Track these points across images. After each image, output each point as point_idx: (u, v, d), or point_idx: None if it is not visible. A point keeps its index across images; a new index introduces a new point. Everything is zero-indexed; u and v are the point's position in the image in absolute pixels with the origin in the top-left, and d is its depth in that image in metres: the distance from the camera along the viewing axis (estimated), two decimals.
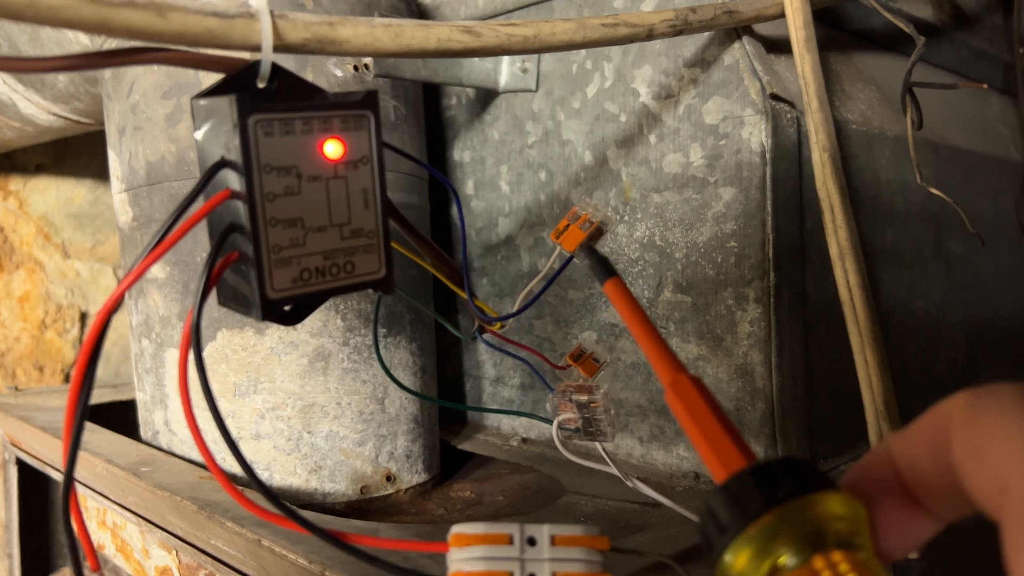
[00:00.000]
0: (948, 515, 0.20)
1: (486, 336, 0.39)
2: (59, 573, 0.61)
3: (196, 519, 0.46)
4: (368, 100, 0.29)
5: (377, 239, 0.30)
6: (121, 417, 0.73)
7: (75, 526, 0.28)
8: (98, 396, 0.85)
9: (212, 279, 0.27)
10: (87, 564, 0.30)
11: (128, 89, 0.56)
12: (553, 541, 0.28)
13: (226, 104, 0.26)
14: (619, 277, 0.29)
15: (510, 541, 0.28)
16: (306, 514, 0.31)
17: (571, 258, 0.36)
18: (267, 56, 0.29)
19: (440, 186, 0.69)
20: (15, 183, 1.25)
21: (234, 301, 0.29)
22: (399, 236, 0.34)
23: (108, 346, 1.32)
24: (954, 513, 0.19)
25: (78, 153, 1.29)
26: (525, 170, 0.63)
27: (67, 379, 1.27)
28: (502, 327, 0.38)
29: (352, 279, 0.30)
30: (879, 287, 0.58)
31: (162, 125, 0.54)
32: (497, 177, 0.65)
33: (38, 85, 0.83)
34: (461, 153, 0.68)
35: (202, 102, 0.28)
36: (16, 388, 0.96)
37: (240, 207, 0.27)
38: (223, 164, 0.27)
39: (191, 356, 0.27)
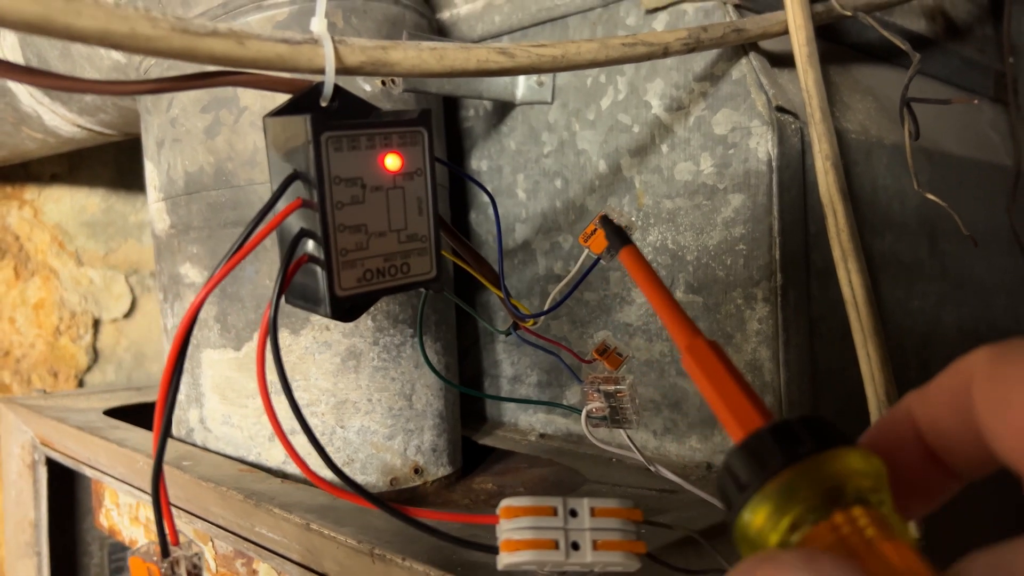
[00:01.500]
0: (970, 472, 0.19)
1: (519, 332, 0.42)
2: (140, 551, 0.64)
3: (242, 508, 0.49)
4: (423, 118, 0.32)
5: (429, 243, 0.33)
6: (143, 420, 0.76)
7: (162, 507, 0.31)
8: (124, 398, 0.87)
9: (287, 279, 0.30)
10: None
11: (168, 103, 0.59)
12: (593, 513, 0.31)
13: (301, 123, 0.30)
14: (634, 245, 0.30)
15: (554, 512, 0.31)
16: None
17: (598, 260, 0.40)
18: (330, 78, 0.33)
19: (458, 193, 0.72)
20: (30, 192, 1.28)
21: (302, 299, 0.32)
22: (444, 240, 0.37)
23: (120, 352, 1.35)
24: (976, 470, 0.19)
25: (91, 163, 1.32)
26: (541, 178, 0.66)
27: (81, 385, 1.29)
28: (535, 324, 0.41)
29: (408, 279, 0.33)
30: (878, 287, 0.61)
31: (201, 137, 0.57)
32: (514, 185, 0.68)
33: (64, 98, 0.86)
34: (479, 162, 0.71)
35: (274, 120, 0.32)
36: (44, 391, 0.99)
37: (311, 215, 0.30)
38: (296, 176, 0.30)
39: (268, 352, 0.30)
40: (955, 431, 0.19)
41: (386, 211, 0.32)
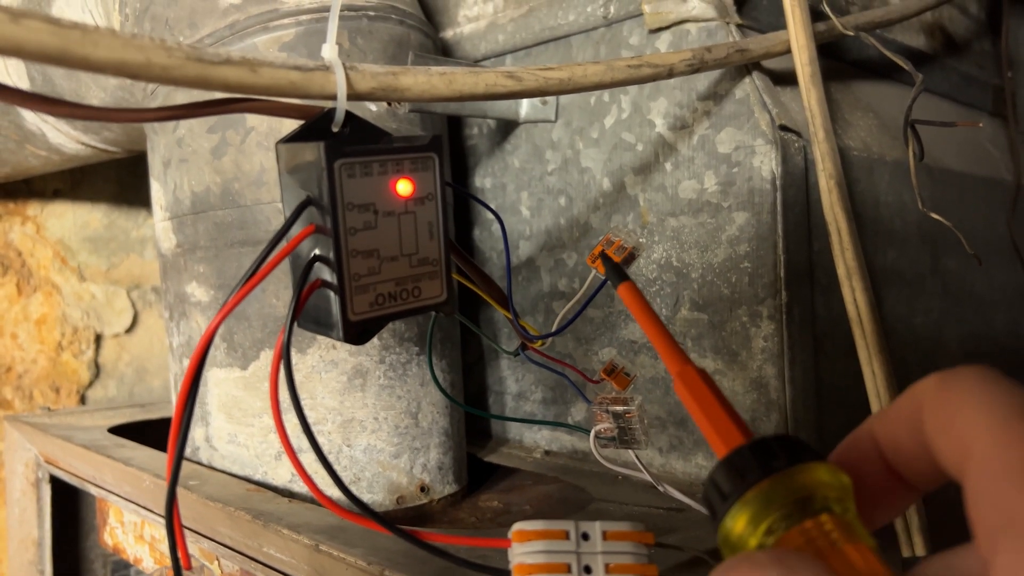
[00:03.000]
0: (924, 485, 0.22)
1: (527, 352, 0.42)
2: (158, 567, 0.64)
3: (250, 528, 0.49)
4: (434, 144, 0.33)
5: (440, 267, 0.34)
6: (148, 437, 0.76)
7: (176, 531, 0.31)
8: (128, 416, 0.87)
9: (300, 304, 0.30)
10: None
11: (174, 124, 0.60)
12: (604, 536, 0.31)
13: (314, 150, 0.30)
14: (632, 282, 0.32)
15: (566, 536, 0.31)
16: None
17: (605, 281, 0.40)
18: (341, 104, 0.33)
19: (461, 211, 0.73)
20: (33, 208, 1.28)
21: (314, 323, 0.32)
22: (452, 262, 0.37)
23: (122, 367, 1.35)
24: (930, 483, 0.22)
25: (94, 178, 1.32)
26: (545, 196, 0.66)
27: (83, 400, 1.29)
28: (543, 344, 0.41)
29: (419, 303, 0.33)
30: (881, 304, 0.61)
31: (207, 157, 0.58)
32: (518, 202, 0.69)
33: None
34: (483, 180, 0.71)
35: (287, 146, 0.32)
36: (49, 409, 0.99)
37: (323, 240, 0.31)
38: (309, 202, 0.31)
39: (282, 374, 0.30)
40: (910, 449, 0.21)
41: (398, 236, 0.32)
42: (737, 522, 0.20)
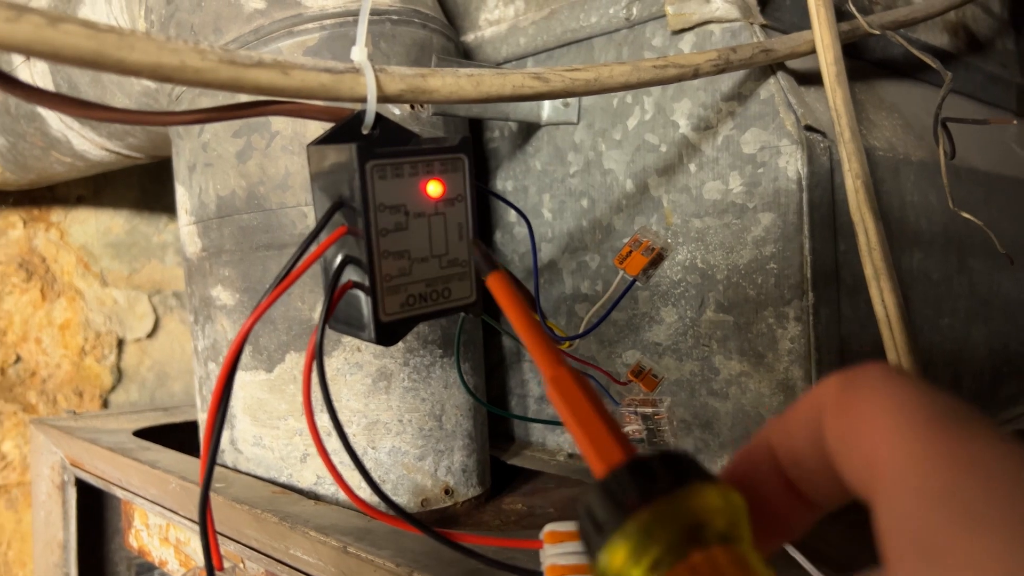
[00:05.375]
0: (827, 502, 0.19)
1: None
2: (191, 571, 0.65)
3: (277, 530, 0.49)
4: (463, 145, 0.33)
5: (469, 268, 0.34)
6: (172, 440, 0.77)
7: (209, 534, 0.31)
8: (152, 419, 0.88)
9: (332, 306, 0.31)
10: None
11: (199, 128, 0.60)
12: None
13: (346, 152, 0.30)
14: (504, 271, 0.30)
15: None
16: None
17: (634, 281, 0.40)
18: (371, 106, 0.33)
19: (483, 214, 0.73)
20: (56, 215, 1.30)
21: (345, 324, 0.33)
22: None
23: (143, 372, 1.36)
24: (833, 500, 0.19)
25: (116, 185, 1.34)
26: (567, 198, 0.66)
27: (105, 404, 1.30)
28: (570, 346, 0.41)
29: (448, 303, 0.33)
30: (908, 305, 0.61)
31: (232, 162, 0.58)
32: (539, 205, 0.69)
33: (94, 123, 0.87)
34: (504, 183, 0.71)
35: (318, 149, 0.32)
36: (74, 412, 1.00)
37: (353, 241, 0.31)
38: (341, 204, 0.31)
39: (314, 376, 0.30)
40: (811, 462, 0.18)
41: (428, 237, 0.32)
42: (615, 557, 0.17)
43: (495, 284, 0.28)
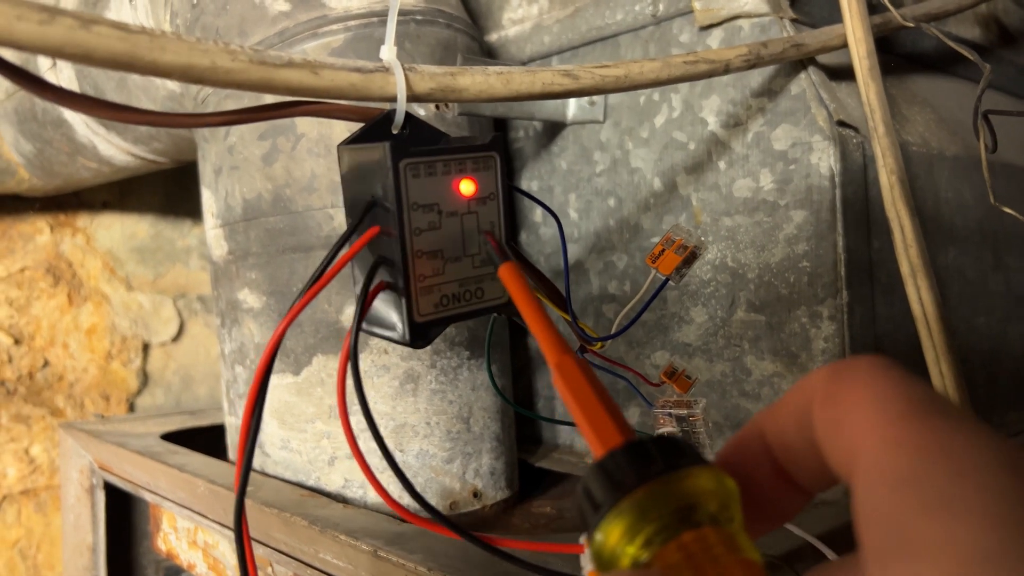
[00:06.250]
0: (815, 488, 0.20)
1: (586, 355, 0.42)
2: None
3: (307, 533, 0.49)
4: (494, 143, 0.32)
5: None
6: (199, 443, 0.77)
7: (244, 540, 0.31)
8: (179, 423, 0.88)
9: (366, 307, 0.30)
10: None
11: (225, 132, 0.60)
12: None
13: (379, 151, 0.30)
14: (515, 262, 0.30)
15: None
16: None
17: (667, 280, 0.39)
18: (402, 105, 0.33)
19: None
20: (83, 220, 1.31)
21: (378, 325, 0.32)
22: None
23: (169, 375, 1.37)
24: (820, 485, 0.20)
25: (141, 190, 1.35)
26: (593, 197, 0.66)
27: (131, 408, 1.31)
28: (602, 347, 0.40)
29: (481, 304, 0.33)
30: (945, 303, 0.59)
31: (259, 165, 0.58)
32: (565, 204, 0.68)
33: (120, 128, 0.88)
34: (529, 183, 0.71)
35: (349, 148, 0.32)
36: (102, 416, 1.01)
37: (386, 241, 0.30)
38: (374, 204, 0.30)
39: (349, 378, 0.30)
40: (800, 448, 0.19)
41: (461, 236, 0.32)
42: (610, 535, 0.18)
43: (506, 274, 0.29)
